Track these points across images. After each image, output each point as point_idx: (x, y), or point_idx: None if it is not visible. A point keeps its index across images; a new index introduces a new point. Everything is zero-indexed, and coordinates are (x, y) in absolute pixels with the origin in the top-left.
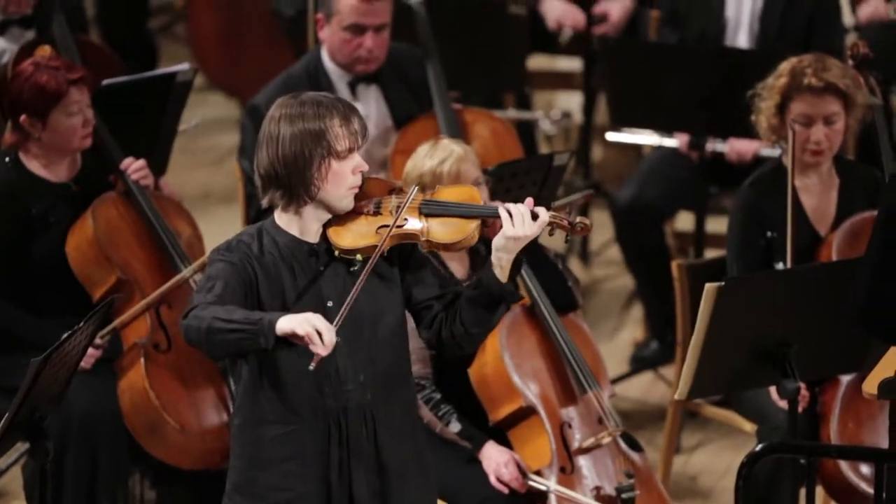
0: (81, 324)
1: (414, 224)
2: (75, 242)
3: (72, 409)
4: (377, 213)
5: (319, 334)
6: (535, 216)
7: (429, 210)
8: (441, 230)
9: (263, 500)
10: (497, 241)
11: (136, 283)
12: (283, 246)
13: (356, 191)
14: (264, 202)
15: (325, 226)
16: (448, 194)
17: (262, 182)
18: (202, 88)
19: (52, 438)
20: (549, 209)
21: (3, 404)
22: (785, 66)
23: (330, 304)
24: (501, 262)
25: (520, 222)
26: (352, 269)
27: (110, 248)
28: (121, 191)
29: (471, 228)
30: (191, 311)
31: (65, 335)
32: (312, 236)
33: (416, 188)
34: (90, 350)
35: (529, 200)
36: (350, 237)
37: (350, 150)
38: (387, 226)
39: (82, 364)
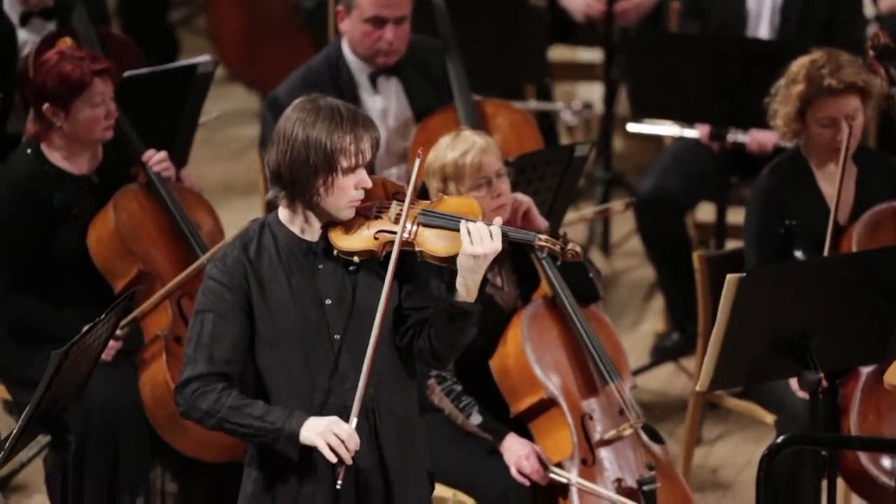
0: (103, 316)
1: (409, 235)
2: (97, 234)
3: (93, 401)
4: (377, 217)
5: (343, 443)
6: (491, 234)
7: (425, 220)
8: (435, 243)
9: (274, 499)
10: (459, 260)
11: (157, 276)
12: (282, 243)
13: (357, 204)
14: (269, 195)
15: (327, 224)
16: (448, 205)
17: (269, 176)
18: (223, 80)
19: (73, 431)
20: (543, 233)
21: (24, 397)
22: (798, 70)
23: (328, 302)
24: (467, 282)
25: (478, 239)
26: (350, 268)
27: (132, 240)
28: (142, 183)
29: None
30: (185, 385)
31: (86, 327)
32: (313, 234)
33: (410, 194)
34: (111, 342)
35: (498, 219)
36: (349, 239)
37: (354, 168)
38: (385, 230)
39: (103, 356)
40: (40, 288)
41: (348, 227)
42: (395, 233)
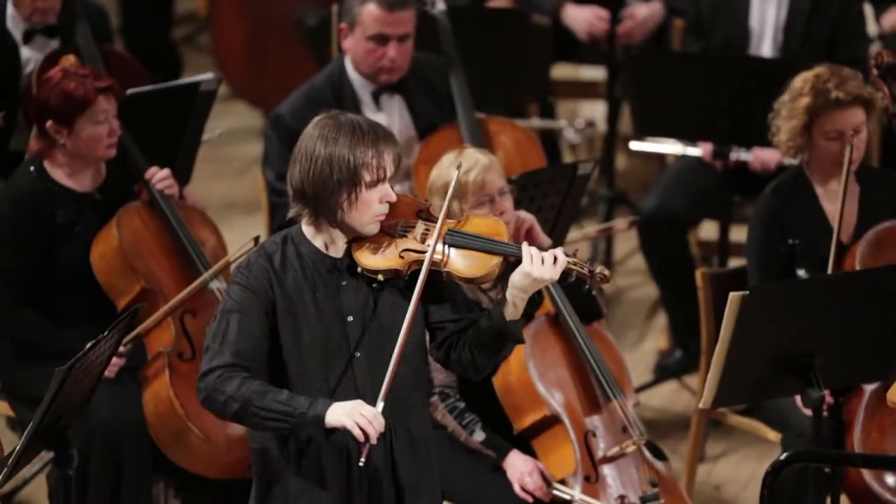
0: (106, 333)
1: (437, 255)
2: (100, 252)
3: (96, 417)
4: (403, 235)
5: (370, 423)
6: (555, 260)
7: (453, 241)
8: (463, 264)
9: (282, 500)
10: (514, 278)
11: (160, 293)
12: (306, 257)
13: (382, 218)
14: (291, 213)
15: (351, 242)
16: (476, 225)
17: (292, 194)
18: (226, 98)
19: (77, 447)
20: (572, 256)
21: (28, 414)
22: (802, 84)
23: (350, 318)
24: (516, 300)
25: (539, 263)
26: (373, 285)
27: (135, 257)
28: (145, 200)
29: (492, 265)
30: (209, 372)
31: (89, 344)
32: (337, 251)
33: (443, 216)
34: (114, 359)
35: (559, 250)
36: (374, 258)
37: (377, 182)
38: (411, 249)
39: (106, 373)
40: (43, 305)
41: (373, 244)
42: (420, 252)
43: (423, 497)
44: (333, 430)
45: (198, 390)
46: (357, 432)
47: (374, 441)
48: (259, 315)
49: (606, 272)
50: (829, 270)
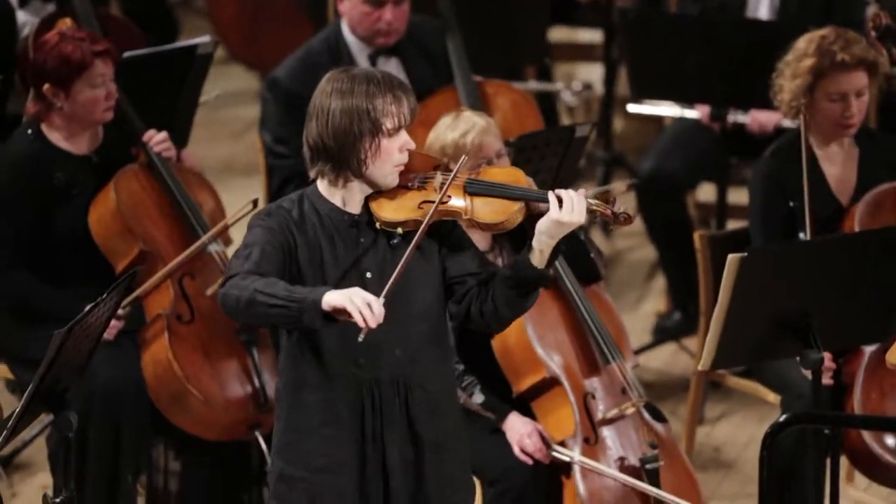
0: (104, 295)
1: (457, 202)
2: (98, 214)
3: (95, 380)
4: (421, 187)
5: (369, 306)
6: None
7: (473, 189)
8: (484, 210)
9: (301, 464)
10: (541, 224)
11: (158, 255)
12: (324, 215)
13: (402, 168)
14: (312, 173)
15: (368, 197)
16: (494, 174)
17: (310, 153)
18: (222, 61)
19: (76, 410)
20: (595, 198)
21: (27, 376)
22: (807, 45)
23: (369, 275)
24: (542, 245)
25: (569, 207)
26: (392, 242)
27: (133, 219)
28: (143, 163)
29: (514, 210)
30: (229, 279)
31: (88, 307)
32: (355, 207)
33: (463, 164)
34: (112, 321)
35: (582, 191)
36: (392, 210)
37: (398, 128)
38: (430, 201)
39: (105, 335)
40: (42, 267)
41: (391, 198)
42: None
43: (448, 455)
44: (335, 320)
45: (219, 295)
46: (355, 313)
47: (372, 325)
48: (280, 247)
49: (630, 213)
50: (808, 234)
